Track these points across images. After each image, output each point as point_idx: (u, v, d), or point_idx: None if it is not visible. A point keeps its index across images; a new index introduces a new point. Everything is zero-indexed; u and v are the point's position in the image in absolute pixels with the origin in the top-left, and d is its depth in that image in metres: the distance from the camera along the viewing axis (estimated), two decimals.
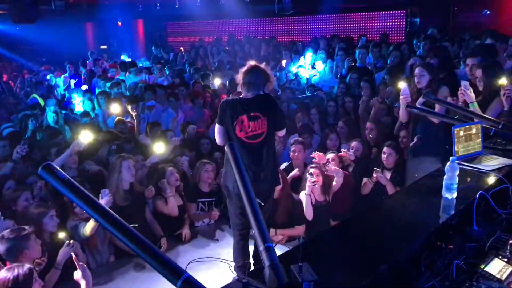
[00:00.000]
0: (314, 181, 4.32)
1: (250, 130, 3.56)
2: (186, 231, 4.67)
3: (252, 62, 3.75)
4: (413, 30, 9.97)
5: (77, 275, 2.79)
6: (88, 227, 3.85)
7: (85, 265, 2.88)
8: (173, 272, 1.41)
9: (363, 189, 4.70)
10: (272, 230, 4.41)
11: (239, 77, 3.68)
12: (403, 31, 10.71)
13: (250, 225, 1.78)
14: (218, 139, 3.71)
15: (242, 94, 3.70)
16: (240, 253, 3.72)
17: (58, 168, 1.63)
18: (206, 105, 7.67)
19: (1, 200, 4.15)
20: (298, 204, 4.51)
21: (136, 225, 3.98)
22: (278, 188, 4.48)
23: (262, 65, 3.72)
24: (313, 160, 4.63)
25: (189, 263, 1.56)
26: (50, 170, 1.60)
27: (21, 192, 4.02)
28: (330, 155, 4.71)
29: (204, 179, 4.91)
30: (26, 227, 3.19)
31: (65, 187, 1.60)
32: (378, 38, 10.08)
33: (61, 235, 3.33)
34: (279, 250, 1.90)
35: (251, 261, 3.75)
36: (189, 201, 4.93)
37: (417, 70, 4.33)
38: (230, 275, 3.57)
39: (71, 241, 3.27)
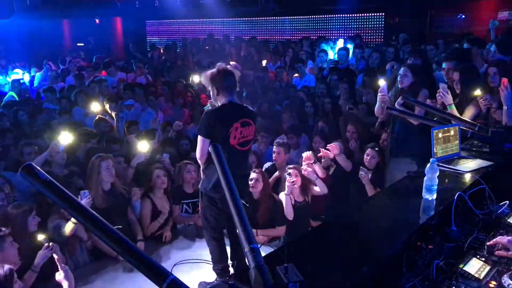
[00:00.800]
0: (293, 181, 4.32)
1: (242, 137, 3.53)
2: (167, 233, 4.62)
3: (223, 65, 3.66)
4: (391, 32, 10.11)
5: (59, 276, 2.77)
6: (68, 228, 3.80)
7: (66, 266, 2.84)
8: (158, 274, 1.39)
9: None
10: (253, 231, 4.40)
11: (212, 82, 3.54)
12: (382, 33, 10.86)
13: (235, 226, 1.78)
14: (201, 153, 3.54)
15: (222, 99, 3.56)
16: (220, 256, 3.70)
17: (39, 168, 1.59)
18: (186, 105, 7.62)
19: None
20: (279, 204, 4.51)
21: (120, 226, 3.92)
22: (259, 188, 4.50)
23: (230, 67, 3.67)
24: (302, 159, 4.63)
25: (174, 265, 1.54)
26: (31, 171, 1.56)
27: None
28: (305, 154, 4.71)
29: (187, 180, 4.87)
30: (3, 228, 3.10)
31: (46, 188, 1.56)
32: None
33: (40, 237, 3.25)
34: (262, 251, 1.90)
35: (229, 262, 3.76)
36: (173, 203, 4.86)
37: (401, 70, 4.40)
38: (213, 276, 3.57)
39: (50, 243, 3.19)
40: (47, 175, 1.57)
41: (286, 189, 4.35)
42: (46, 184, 1.56)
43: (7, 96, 8.58)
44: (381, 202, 2.82)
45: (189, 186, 4.91)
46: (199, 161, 3.64)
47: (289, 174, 4.36)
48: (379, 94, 4.45)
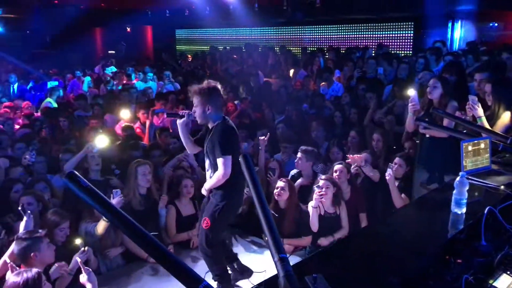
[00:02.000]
0: (321, 194, 4.24)
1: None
2: (195, 238, 4.68)
3: (213, 82, 3.68)
4: (420, 42, 9.98)
5: (83, 278, 2.90)
6: (100, 226, 3.94)
7: (90, 269, 2.97)
8: (192, 279, 1.45)
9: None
10: None
11: (206, 99, 3.56)
12: (411, 43, 10.76)
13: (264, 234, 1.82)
14: (228, 171, 3.55)
15: (214, 117, 3.63)
16: (220, 263, 3.74)
17: (80, 175, 1.68)
18: None
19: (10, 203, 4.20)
20: (305, 214, 4.51)
21: (157, 233, 4.02)
22: (285, 197, 4.52)
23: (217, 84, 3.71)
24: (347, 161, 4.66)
25: (207, 272, 1.60)
26: (73, 178, 1.64)
27: (24, 197, 4.04)
28: (337, 166, 4.71)
29: None
30: (40, 230, 3.24)
31: (87, 194, 1.65)
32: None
33: (78, 241, 3.36)
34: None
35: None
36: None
37: (431, 81, 4.38)
38: (245, 284, 3.60)
39: (86, 248, 3.27)
40: (87, 182, 1.66)
41: (314, 201, 4.26)
42: (87, 191, 1.65)
43: (44, 102, 8.92)
44: (409, 214, 2.81)
45: None
46: (218, 183, 3.61)
47: (319, 186, 4.27)
48: (409, 104, 4.43)
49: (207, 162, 3.75)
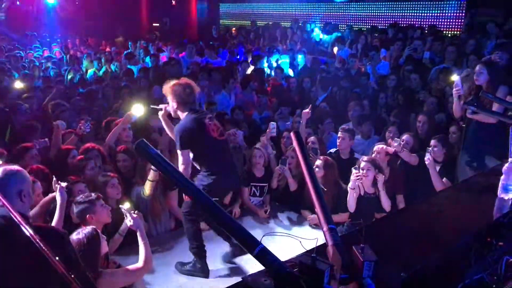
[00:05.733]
0: (358, 176, 4.25)
1: (217, 128, 3.99)
2: (236, 209, 4.85)
3: (186, 79, 4.01)
4: (473, 23, 9.51)
5: (129, 222, 3.21)
6: (146, 187, 4.16)
7: (136, 215, 3.24)
8: (250, 241, 1.60)
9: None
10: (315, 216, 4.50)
11: (174, 95, 3.83)
12: (461, 23, 10.33)
13: (314, 207, 1.94)
14: (185, 164, 3.81)
15: (181, 113, 3.89)
16: (194, 236, 3.86)
17: (149, 144, 1.84)
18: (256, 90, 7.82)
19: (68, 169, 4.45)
20: (344, 192, 4.55)
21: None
22: (320, 175, 4.60)
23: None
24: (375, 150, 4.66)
25: (264, 235, 1.74)
26: (143, 147, 1.82)
27: (86, 161, 4.29)
28: (377, 147, 4.71)
29: (254, 164, 5.03)
30: (93, 194, 3.46)
31: (155, 160, 1.82)
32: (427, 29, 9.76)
33: (126, 205, 3.52)
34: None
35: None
36: (243, 185, 4.96)
37: (477, 67, 4.31)
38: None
39: (136, 211, 3.41)
40: (155, 149, 1.83)
41: (351, 182, 4.29)
42: (155, 157, 1.82)
43: (90, 72, 9.25)
44: (452, 196, 2.86)
45: (258, 170, 5.06)
46: (184, 171, 3.75)
47: (356, 167, 4.27)
48: (454, 89, 4.39)
49: None
